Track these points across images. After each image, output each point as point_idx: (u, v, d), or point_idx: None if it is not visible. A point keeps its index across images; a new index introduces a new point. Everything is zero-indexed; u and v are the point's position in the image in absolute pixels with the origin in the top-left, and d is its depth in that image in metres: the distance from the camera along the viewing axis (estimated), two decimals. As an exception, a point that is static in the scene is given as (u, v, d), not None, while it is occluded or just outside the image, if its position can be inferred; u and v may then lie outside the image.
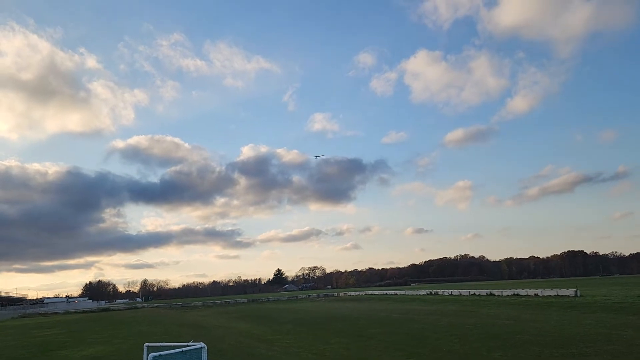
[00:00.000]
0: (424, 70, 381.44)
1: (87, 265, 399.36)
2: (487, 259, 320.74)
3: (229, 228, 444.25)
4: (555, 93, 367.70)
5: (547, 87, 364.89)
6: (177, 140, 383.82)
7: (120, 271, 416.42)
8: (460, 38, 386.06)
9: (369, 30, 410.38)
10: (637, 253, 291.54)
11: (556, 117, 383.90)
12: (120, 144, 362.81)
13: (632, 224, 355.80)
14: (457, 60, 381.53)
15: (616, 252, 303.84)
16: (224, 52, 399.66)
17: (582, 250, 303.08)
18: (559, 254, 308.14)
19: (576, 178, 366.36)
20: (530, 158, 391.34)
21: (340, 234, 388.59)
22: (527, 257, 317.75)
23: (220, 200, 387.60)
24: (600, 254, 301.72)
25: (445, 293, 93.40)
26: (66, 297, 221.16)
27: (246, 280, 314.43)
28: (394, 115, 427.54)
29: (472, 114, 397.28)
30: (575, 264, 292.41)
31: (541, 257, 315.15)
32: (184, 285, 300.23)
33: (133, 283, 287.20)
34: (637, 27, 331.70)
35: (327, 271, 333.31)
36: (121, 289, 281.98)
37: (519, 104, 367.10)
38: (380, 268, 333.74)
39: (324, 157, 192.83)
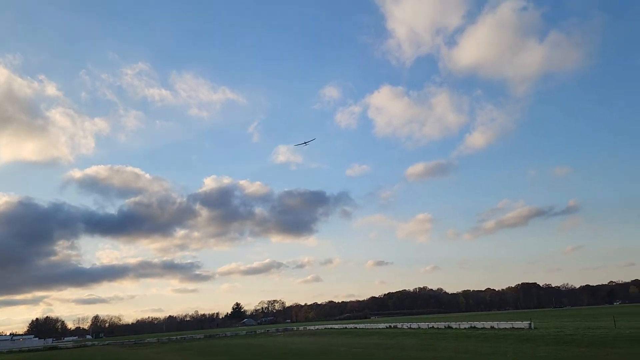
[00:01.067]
0: (388, 105, 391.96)
1: (35, 301, 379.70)
2: (445, 291, 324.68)
3: (188, 261, 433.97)
4: (511, 130, 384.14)
5: (504, 124, 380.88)
6: (137, 170, 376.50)
7: (71, 307, 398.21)
8: (422, 75, 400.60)
9: (335, 65, 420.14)
10: (587, 285, 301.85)
11: (512, 153, 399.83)
12: (77, 173, 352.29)
13: (583, 257, 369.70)
14: (419, 96, 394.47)
15: (567, 284, 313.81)
16: (189, 83, 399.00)
17: (535, 283, 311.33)
18: (513, 286, 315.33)
19: (530, 212, 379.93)
20: (487, 192, 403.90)
21: (301, 266, 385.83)
22: (483, 289, 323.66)
23: (180, 232, 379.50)
24: (553, 286, 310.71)
25: (405, 326, 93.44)
26: (10, 335, 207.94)
27: (204, 315, 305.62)
28: (357, 148, 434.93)
29: (433, 148, 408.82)
30: (529, 296, 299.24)
31: (497, 289, 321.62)
32: (138, 321, 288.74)
33: (84, 319, 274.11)
34: (586, 69, 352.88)
35: (287, 304, 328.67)
36: (70, 325, 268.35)
37: (477, 139, 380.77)
38: (340, 301, 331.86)
39: (314, 140, 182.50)
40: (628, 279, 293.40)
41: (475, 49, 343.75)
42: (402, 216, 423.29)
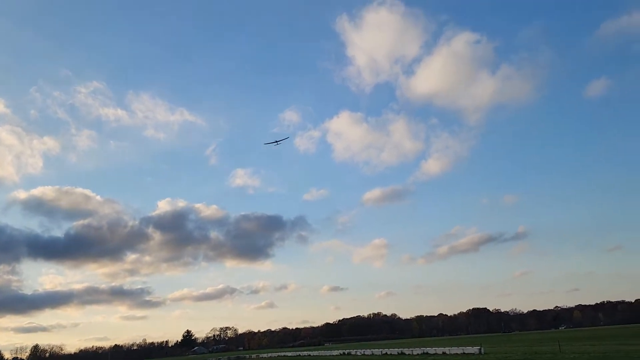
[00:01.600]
0: (346, 130, 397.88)
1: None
2: (399, 317, 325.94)
3: (138, 286, 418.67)
4: (465, 157, 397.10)
5: (458, 152, 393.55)
6: (87, 192, 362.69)
7: (9, 335, 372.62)
8: (380, 102, 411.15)
9: (296, 89, 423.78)
10: (534, 310, 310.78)
11: (465, 180, 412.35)
12: (22, 194, 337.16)
13: (530, 282, 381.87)
14: (377, 123, 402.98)
15: (516, 309, 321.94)
16: (147, 103, 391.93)
17: (486, 308, 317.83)
18: (465, 311, 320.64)
19: (481, 238, 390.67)
20: (441, 218, 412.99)
21: (255, 292, 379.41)
22: (436, 314, 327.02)
23: (130, 257, 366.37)
24: (502, 310, 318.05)
25: (358, 353, 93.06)
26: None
27: (152, 344, 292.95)
28: (315, 173, 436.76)
29: (390, 174, 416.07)
30: (480, 321, 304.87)
31: (449, 315, 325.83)
32: (81, 351, 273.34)
33: (22, 349, 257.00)
34: (534, 101, 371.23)
35: (240, 331, 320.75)
36: (8, 356, 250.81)
37: (433, 166, 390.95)
38: (294, 327, 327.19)
39: (286, 139, 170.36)
40: (572, 304, 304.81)
41: (431, 78, 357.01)
42: (358, 241, 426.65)
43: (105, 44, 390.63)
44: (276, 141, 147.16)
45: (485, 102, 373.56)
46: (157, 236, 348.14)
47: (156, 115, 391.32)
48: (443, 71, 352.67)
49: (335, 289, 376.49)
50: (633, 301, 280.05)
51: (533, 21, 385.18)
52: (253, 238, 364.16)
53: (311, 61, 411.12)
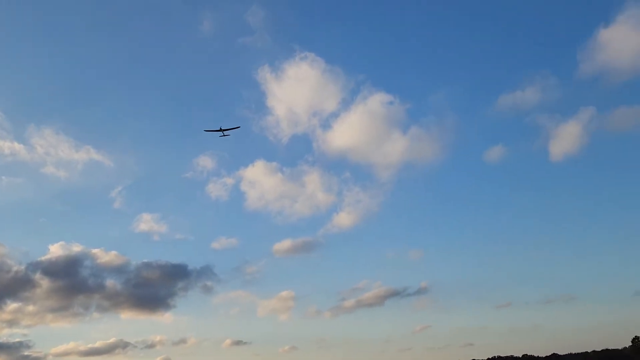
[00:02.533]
0: (261, 180, 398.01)
1: None
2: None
3: (17, 339, 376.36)
4: (374, 212, 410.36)
5: (368, 206, 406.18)
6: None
7: None
8: (296, 153, 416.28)
9: (212, 135, 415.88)
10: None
11: (374, 234, 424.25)
12: None
13: (430, 337, 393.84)
14: (292, 174, 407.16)
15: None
16: (49, 138, 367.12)
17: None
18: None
19: (387, 292, 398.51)
20: (349, 271, 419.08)
21: (151, 346, 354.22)
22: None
23: (11, 306, 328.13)
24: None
25: None
26: None
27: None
28: (226, 221, 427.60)
29: (302, 225, 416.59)
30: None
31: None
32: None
33: None
34: (440, 162, 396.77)
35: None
36: None
37: (344, 219, 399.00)
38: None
39: (238, 128, 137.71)
40: (466, 359, 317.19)
41: (347, 134, 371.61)
42: (265, 293, 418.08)
43: (5, 73, 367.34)
44: (222, 129, 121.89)
45: (396, 159, 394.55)
46: (45, 283, 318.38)
47: (58, 152, 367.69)
48: (358, 128, 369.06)
49: (237, 342, 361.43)
50: (520, 356, 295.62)
51: (441, 88, 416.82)
52: (154, 287, 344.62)
53: (230, 108, 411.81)
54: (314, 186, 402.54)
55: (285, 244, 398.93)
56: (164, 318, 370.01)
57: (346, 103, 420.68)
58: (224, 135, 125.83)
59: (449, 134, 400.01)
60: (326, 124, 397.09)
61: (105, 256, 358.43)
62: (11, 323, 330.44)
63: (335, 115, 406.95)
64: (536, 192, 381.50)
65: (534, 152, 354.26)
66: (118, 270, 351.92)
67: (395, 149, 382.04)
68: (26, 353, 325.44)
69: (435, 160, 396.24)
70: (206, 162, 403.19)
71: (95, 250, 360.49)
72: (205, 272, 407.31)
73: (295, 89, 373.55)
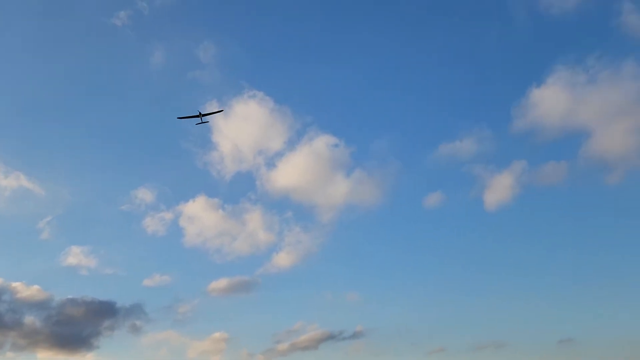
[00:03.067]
0: (202, 216, 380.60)
1: None
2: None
3: None
4: (314, 253, 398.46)
5: (308, 247, 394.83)
6: None
7: None
8: (239, 190, 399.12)
9: (154, 167, 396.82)
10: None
11: (312, 276, 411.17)
12: None
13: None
14: (233, 211, 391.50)
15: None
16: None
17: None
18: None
19: (322, 335, 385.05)
20: (285, 313, 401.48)
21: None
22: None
23: None
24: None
25: None
26: None
27: None
28: (161, 257, 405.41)
29: (240, 264, 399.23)
30: None
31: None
32: None
33: None
34: (380, 206, 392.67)
35: None
36: None
37: (283, 259, 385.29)
38: None
39: (221, 112, 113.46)
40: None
41: (291, 173, 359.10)
42: (197, 334, 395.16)
43: None
44: (201, 114, 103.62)
45: (338, 201, 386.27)
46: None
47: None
48: (303, 168, 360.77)
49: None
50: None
51: (385, 134, 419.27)
52: (77, 326, 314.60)
53: (174, 141, 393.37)
54: (255, 225, 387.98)
55: (222, 282, 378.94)
56: (85, 359, 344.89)
57: (292, 143, 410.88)
58: (203, 122, 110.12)
59: (391, 178, 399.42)
60: (271, 162, 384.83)
61: (25, 290, 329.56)
62: None
63: (280, 154, 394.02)
64: (471, 239, 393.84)
65: (470, 201, 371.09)
66: (39, 306, 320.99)
67: (338, 191, 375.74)
68: None
69: (376, 203, 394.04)
70: (145, 194, 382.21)
71: (15, 284, 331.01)
72: (135, 310, 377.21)
73: (242, 126, 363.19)
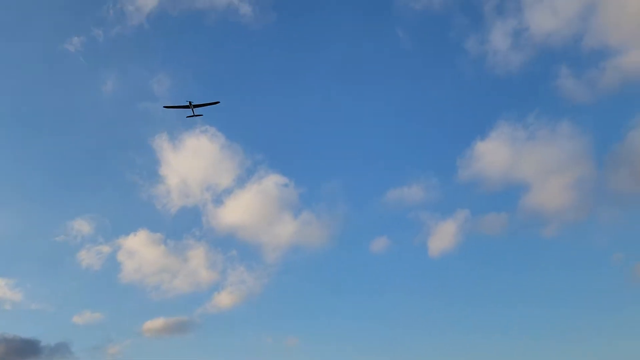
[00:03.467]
0: (142, 251, 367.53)
1: None
2: None
3: None
4: (258, 294, 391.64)
5: (251, 288, 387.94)
6: None
7: None
8: (184, 226, 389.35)
9: (94, 198, 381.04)
10: None
11: (254, 317, 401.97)
12: None
13: None
14: (176, 247, 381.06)
15: None
16: None
17: None
18: None
19: None
20: (223, 355, 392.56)
21: None
22: None
23: None
24: None
25: None
26: None
27: None
28: (94, 293, 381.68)
29: (180, 302, 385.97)
30: None
31: None
32: None
33: None
34: (327, 249, 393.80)
35: None
36: None
37: (225, 299, 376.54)
38: None
39: (217, 103, 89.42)
40: None
41: (238, 211, 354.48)
42: None
43: None
44: (192, 105, 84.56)
45: (285, 242, 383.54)
46: None
47: None
48: (251, 206, 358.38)
49: None
50: None
51: (335, 177, 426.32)
52: None
53: (119, 171, 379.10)
54: (198, 262, 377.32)
55: (158, 322, 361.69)
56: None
57: (242, 180, 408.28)
58: (195, 116, 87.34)
59: (338, 221, 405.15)
60: (218, 199, 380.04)
61: None
62: None
63: (229, 191, 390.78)
64: (414, 284, 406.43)
65: (415, 247, 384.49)
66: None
67: (285, 231, 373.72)
68: None
69: (323, 246, 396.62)
70: (82, 226, 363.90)
71: None
72: (60, 349, 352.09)
73: (192, 160, 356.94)
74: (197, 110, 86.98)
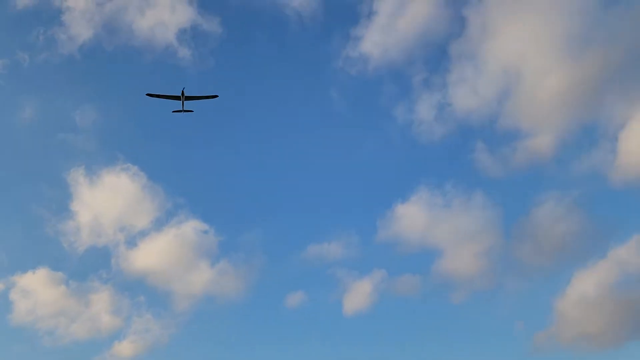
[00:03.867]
0: (39, 290, 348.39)
1: None
2: None
3: None
4: (163, 344, 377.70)
5: (157, 337, 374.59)
6: None
7: None
8: (90, 266, 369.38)
9: None
10: None
11: None
12: None
13: None
14: (78, 288, 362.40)
15: None
16: None
17: None
18: None
19: None
20: None
21: None
22: None
23: None
24: None
25: None
26: None
27: None
28: None
29: (76, 350, 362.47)
30: None
31: None
32: None
33: None
34: (242, 300, 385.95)
35: None
36: None
37: (126, 349, 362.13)
38: None
39: (216, 97, 74.16)
40: None
41: (152, 255, 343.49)
42: None
43: None
44: (183, 97, 73.89)
45: (198, 291, 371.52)
46: None
47: None
48: (166, 251, 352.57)
49: None
50: None
51: (256, 228, 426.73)
52: None
53: (26, 205, 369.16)
54: (101, 306, 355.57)
55: None
56: None
57: (160, 223, 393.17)
58: (182, 111, 73.44)
59: (256, 273, 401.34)
60: (132, 241, 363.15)
61: None
62: None
63: (144, 233, 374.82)
64: (327, 341, 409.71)
65: (331, 303, 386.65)
66: None
67: (200, 279, 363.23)
68: None
69: (237, 297, 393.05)
70: None
71: None
72: None
73: (108, 198, 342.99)
74: (188, 105, 72.20)
